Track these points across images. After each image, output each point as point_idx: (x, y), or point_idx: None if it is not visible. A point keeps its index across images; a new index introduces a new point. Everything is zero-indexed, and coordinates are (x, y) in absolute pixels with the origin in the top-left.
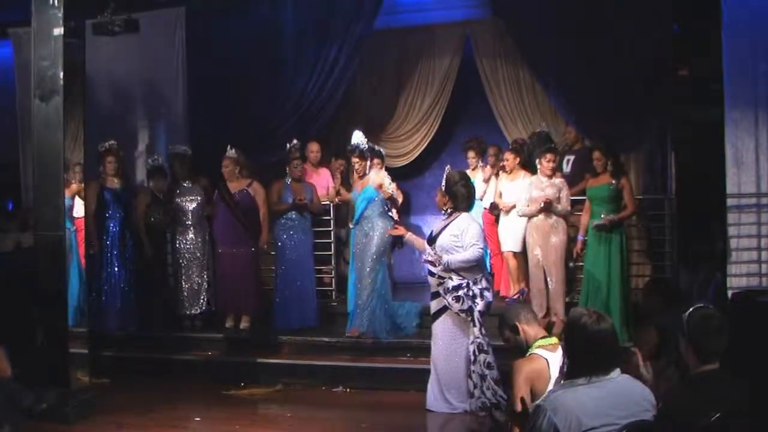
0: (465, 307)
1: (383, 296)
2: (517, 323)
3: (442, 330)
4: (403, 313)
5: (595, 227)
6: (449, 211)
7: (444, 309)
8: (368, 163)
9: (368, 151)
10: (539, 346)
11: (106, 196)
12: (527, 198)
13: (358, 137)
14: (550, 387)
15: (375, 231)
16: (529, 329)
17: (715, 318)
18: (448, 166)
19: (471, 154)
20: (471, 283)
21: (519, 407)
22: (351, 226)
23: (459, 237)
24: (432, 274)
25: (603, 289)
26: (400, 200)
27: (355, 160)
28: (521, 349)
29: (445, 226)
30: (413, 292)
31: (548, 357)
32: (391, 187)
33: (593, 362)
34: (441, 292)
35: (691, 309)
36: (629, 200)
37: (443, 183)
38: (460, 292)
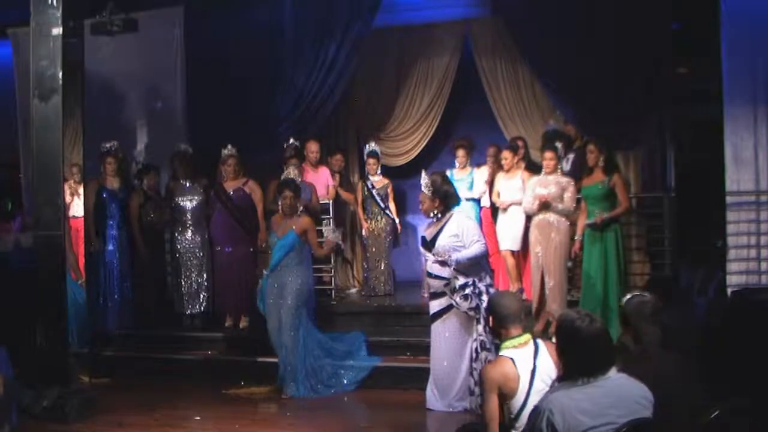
0: (473, 305)
1: (310, 353)
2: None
3: (444, 329)
4: (335, 364)
5: (586, 226)
6: (439, 214)
7: (446, 309)
8: (299, 203)
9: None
10: (506, 347)
11: (105, 195)
12: (531, 195)
13: (291, 173)
14: (523, 384)
15: (292, 281)
16: (512, 330)
17: (650, 303)
18: (424, 172)
19: (461, 152)
20: (476, 281)
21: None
22: (265, 273)
23: (459, 236)
24: (434, 276)
25: (599, 287)
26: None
27: (288, 193)
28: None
29: (441, 229)
30: (414, 291)
31: (515, 356)
32: (334, 235)
33: (590, 364)
34: (447, 292)
35: (628, 296)
36: (622, 197)
37: (429, 188)
38: (468, 290)
